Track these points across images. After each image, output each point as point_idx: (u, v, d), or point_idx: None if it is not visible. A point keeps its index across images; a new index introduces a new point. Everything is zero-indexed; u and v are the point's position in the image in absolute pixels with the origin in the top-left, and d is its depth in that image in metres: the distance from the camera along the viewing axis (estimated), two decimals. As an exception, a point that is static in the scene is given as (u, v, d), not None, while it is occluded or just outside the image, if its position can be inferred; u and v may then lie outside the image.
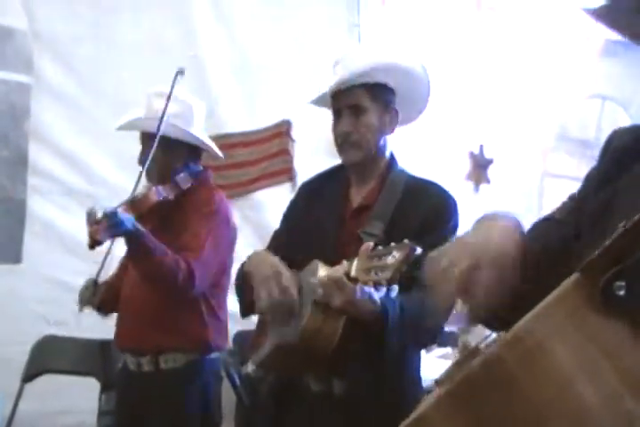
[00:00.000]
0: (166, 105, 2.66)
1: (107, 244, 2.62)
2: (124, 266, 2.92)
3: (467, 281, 1.09)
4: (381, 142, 2.15)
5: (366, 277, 1.70)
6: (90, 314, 2.93)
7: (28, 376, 3.45)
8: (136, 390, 2.73)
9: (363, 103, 2.10)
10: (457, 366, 0.93)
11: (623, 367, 0.80)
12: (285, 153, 4.28)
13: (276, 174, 4.30)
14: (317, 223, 2.13)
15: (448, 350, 3.81)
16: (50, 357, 3.53)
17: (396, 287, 1.75)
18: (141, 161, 2.71)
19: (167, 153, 2.72)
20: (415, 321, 1.87)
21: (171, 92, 2.69)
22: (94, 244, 2.47)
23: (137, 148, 2.86)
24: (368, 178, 2.15)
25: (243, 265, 2.13)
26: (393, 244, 1.68)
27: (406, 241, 1.65)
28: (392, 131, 2.17)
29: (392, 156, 2.20)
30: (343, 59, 2.16)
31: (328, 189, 2.20)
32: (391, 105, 2.14)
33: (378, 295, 1.80)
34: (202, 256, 2.60)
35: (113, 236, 2.50)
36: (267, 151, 4.32)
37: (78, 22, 3.88)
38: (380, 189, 2.11)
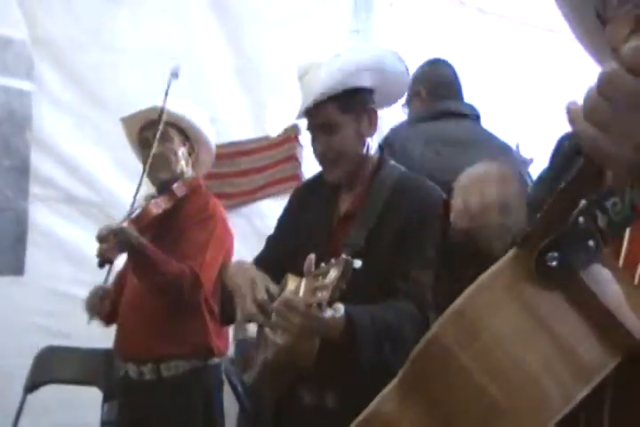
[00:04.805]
0: (164, 101, 2.71)
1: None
2: (118, 279, 2.91)
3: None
4: (363, 149, 2.04)
5: (311, 298, 1.62)
6: (91, 325, 2.90)
7: (31, 387, 3.41)
8: (139, 399, 2.73)
9: (333, 120, 1.98)
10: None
11: (557, 334, 0.81)
12: (293, 159, 4.21)
13: (284, 181, 4.22)
14: (305, 233, 2.06)
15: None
16: (52, 367, 3.49)
17: (339, 306, 1.65)
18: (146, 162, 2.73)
19: (169, 143, 2.77)
20: (389, 327, 1.79)
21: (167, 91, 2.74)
22: (105, 262, 2.49)
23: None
24: (355, 183, 2.06)
25: (221, 274, 2.09)
26: (332, 260, 1.61)
27: (343, 256, 1.59)
28: (374, 130, 2.05)
29: (380, 152, 2.10)
30: (306, 75, 2.06)
31: (318, 194, 2.13)
32: (367, 106, 2.03)
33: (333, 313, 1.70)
34: (206, 262, 2.62)
35: (121, 251, 2.54)
36: (274, 157, 4.25)
37: (78, 29, 3.85)
38: (366, 193, 2.02)
